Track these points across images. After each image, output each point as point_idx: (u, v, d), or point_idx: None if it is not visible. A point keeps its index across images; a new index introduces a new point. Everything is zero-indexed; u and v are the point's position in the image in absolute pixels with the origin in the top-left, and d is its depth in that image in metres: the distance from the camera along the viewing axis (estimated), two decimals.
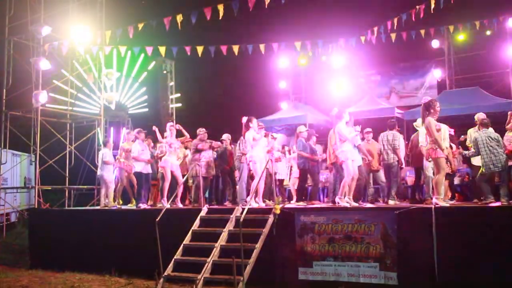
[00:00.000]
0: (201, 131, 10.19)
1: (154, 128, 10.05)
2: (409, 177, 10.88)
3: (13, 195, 15.92)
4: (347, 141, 8.00)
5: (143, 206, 10.10)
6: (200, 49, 12.78)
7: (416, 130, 9.29)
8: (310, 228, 7.33)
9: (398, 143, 9.14)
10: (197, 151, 10.02)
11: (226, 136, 10.42)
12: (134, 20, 12.19)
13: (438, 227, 6.48)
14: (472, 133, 8.39)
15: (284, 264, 7.41)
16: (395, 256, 6.69)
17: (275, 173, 9.67)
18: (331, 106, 9.11)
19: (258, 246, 7.15)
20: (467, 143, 8.81)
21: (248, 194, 8.87)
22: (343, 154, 7.99)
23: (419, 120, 9.32)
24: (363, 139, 9.35)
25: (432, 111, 7.42)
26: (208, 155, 10.13)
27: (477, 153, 7.68)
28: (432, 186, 7.71)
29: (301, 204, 9.12)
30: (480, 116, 8.23)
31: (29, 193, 16.43)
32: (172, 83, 19.34)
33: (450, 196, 9.05)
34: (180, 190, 9.66)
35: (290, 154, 11.13)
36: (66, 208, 13.07)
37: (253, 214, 7.58)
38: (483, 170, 7.57)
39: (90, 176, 14.70)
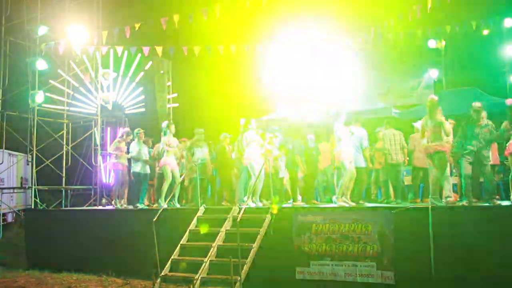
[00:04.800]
0: (199, 131, 10.13)
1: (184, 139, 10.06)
2: (405, 177, 10.88)
3: (9, 195, 15.88)
4: (344, 141, 8.02)
5: (140, 206, 10.09)
6: (197, 49, 12.78)
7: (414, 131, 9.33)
8: (307, 228, 7.34)
9: (404, 142, 9.19)
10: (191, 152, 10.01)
11: (223, 136, 10.40)
12: (131, 20, 12.18)
13: (435, 226, 6.50)
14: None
15: (281, 263, 7.41)
16: (392, 255, 6.71)
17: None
18: (329, 106, 9.14)
19: (255, 245, 7.16)
20: None
21: (245, 194, 8.88)
22: (339, 154, 8.00)
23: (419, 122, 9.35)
24: None
25: (440, 108, 7.48)
26: (204, 156, 10.10)
27: None
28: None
29: (298, 204, 9.13)
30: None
31: (25, 194, 16.38)
32: (169, 83, 19.31)
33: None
34: (177, 190, 9.63)
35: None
36: (63, 208, 13.04)
37: (251, 214, 7.59)
38: None
39: (87, 176, 14.66)
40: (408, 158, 9.56)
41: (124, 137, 10.47)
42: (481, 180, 7.93)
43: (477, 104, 7.64)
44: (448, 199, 7.67)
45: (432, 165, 7.53)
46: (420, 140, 9.08)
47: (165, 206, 8.73)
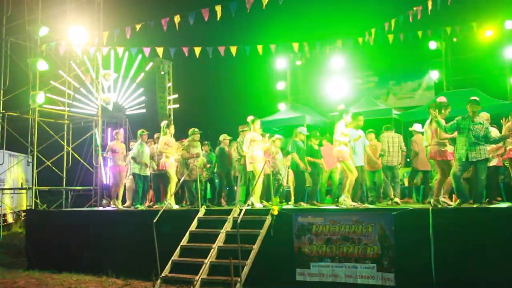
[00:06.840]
0: (195, 131, 10.04)
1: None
2: (405, 178, 10.89)
3: (10, 196, 15.87)
4: (346, 140, 8.01)
5: (140, 207, 10.09)
6: (198, 50, 12.79)
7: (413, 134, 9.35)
8: (307, 229, 7.34)
9: (403, 145, 9.21)
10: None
11: (223, 137, 10.38)
12: (132, 21, 12.22)
13: (436, 228, 6.49)
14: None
15: (281, 265, 7.41)
16: (393, 257, 6.70)
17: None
18: (329, 107, 9.15)
19: (256, 247, 7.15)
20: None
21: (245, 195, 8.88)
22: (339, 153, 7.99)
23: (417, 125, 9.36)
24: None
25: (443, 112, 7.42)
26: (201, 157, 10.08)
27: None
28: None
29: (299, 205, 9.12)
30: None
31: (26, 194, 16.38)
32: (169, 84, 19.34)
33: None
34: (173, 190, 9.60)
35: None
36: (63, 209, 13.05)
37: (251, 215, 7.58)
38: None
39: (87, 177, 14.66)
40: (409, 160, 9.53)
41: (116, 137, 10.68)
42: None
43: (474, 97, 7.23)
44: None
45: (436, 168, 7.50)
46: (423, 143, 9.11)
47: (176, 206, 8.70)
